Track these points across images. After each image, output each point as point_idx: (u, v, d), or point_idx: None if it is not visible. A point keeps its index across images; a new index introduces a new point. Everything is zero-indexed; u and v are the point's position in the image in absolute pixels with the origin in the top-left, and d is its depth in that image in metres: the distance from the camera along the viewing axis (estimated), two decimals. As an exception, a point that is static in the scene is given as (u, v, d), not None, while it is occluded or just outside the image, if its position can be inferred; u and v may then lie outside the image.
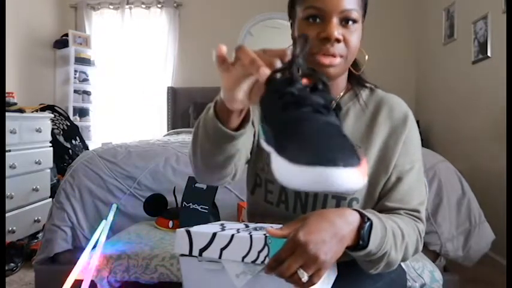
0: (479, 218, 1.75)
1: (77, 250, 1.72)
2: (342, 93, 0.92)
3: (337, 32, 0.79)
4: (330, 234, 0.65)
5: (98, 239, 1.47)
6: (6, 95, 2.89)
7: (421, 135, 3.47)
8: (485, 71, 2.65)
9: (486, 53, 2.59)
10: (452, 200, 1.74)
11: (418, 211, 0.84)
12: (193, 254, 0.71)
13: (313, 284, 0.63)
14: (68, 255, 1.77)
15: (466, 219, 1.73)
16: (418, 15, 3.91)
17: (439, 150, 2.67)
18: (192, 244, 0.71)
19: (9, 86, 3.22)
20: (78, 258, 1.39)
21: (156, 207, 1.68)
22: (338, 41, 0.80)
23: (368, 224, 0.69)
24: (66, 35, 3.97)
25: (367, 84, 0.93)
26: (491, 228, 1.77)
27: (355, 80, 0.93)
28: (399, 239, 0.76)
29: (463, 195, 1.76)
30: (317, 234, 0.63)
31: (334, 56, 0.80)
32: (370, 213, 0.73)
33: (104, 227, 1.55)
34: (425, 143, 3.49)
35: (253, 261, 0.66)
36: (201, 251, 0.70)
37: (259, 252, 0.66)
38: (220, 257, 0.69)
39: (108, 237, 1.53)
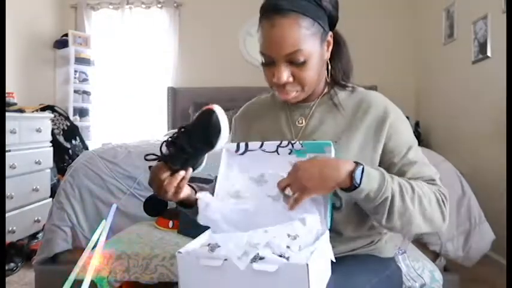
0: (479, 218, 1.75)
1: (77, 250, 1.72)
2: (319, 97, 0.98)
3: (285, 75, 0.86)
4: (318, 171, 0.77)
5: (98, 239, 1.47)
6: (6, 95, 2.89)
7: (421, 135, 3.47)
8: (485, 71, 2.65)
9: (486, 53, 2.59)
10: (452, 200, 1.74)
11: (433, 180, 0.89)
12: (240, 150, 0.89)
13: (295, 203, 0.78)
14: (68, 255, 1.77)
15: (466, 219, 1.73)
16: (418, 15, 3.91)
17: (439, 150, 2.67)
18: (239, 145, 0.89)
19: (9, 86, 3.22)
20: (78, 258, 1.38)
21: (156, 207, 1.68)
22: (288, 82, 0.87)
23: (360, 168, 0.78)
24: (66, 35, 3.97)
25: (349, 85, 0.98)
26: (491, 228, 1.77)
27: (332, 84, 0.98)
28: (407, 190, 0.81)
29: (463, 195, 1.77)
30: (309, 166, 0.78)
31: (289, 93, 0.89)
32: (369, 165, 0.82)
33: (104, 227, 1.55)
34: (426, 143, 3.49)
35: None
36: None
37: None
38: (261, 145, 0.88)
39: (108, 237, 1.53)
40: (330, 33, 0.91)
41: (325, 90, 0.97)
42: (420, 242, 1.66)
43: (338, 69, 0.96)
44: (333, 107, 0.95)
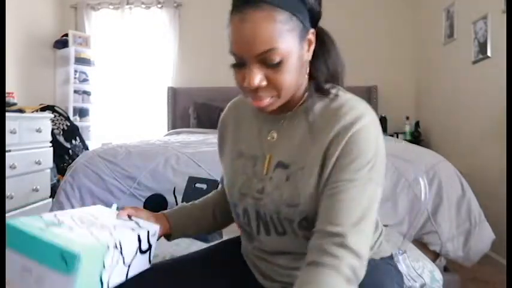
0: (479, 218, 1.75)
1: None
2: (296, 107, 0.83)
3: (258, 78, 0.72)
4: None
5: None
6: (6, 95, 2.89)
7: (421, 135, 3.46)
8: (485, 71, 2.65)
9: (486, 53, 2.59)
10: (452, 200, 1.74)
11: (344, 236, 0.68)
12: None
13: None
14: (68, 255, 1.76)
15: (466, 219, 1.73)
16: (418, 15, 3.91)
17: (439, 150, 2.67)
18: None
19: (9, 86, 3.22)
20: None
21: (156, 207, 1.68)
22: (261, 87, 0.74)
23: None
24: (66, 35, 3.97)
25: (332, 91, 0.80)
26: (491, 228, 1.78)
27: (312, 90, 0.81)
28: None
29: (463, 195, 1.77)
30: None
31: (263, 99, 0.75)
32: None
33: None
34: (426, 143, 3.49)
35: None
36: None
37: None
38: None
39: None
40: (312, 30, 0.77)
41: (304, 97, 0.82)
42: (420, 242, 1.66)
43: (321, 72, 0.81)
44: (306, 121, 0.80)
